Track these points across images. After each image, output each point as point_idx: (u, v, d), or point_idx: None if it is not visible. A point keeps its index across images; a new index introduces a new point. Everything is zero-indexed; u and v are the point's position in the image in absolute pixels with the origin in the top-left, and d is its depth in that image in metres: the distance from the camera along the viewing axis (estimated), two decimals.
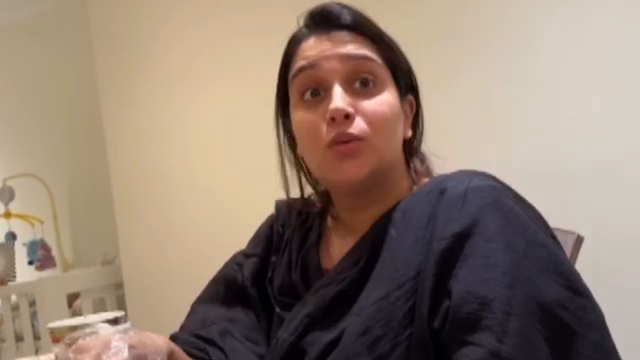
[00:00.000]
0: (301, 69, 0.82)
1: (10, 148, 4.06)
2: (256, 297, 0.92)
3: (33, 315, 3.05)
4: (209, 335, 0.88)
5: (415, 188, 0.85)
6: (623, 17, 1.86)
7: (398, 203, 0.81)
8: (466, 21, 2.03)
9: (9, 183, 3.57)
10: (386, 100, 0.81)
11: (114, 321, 1.16)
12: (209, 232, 2.64)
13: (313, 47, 0.82)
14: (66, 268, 3.68)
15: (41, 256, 3.50)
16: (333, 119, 0.78)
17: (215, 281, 0.97)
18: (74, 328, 1.13)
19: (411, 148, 0.89)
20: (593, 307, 0.68)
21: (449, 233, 0.70)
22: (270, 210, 1.01)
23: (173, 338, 0.89)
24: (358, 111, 0.79)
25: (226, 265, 0.98)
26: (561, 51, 1.93)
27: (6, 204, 3.56)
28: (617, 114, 1.88)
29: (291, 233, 0.94)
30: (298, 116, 0.84)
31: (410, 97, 0.88)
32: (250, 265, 0.94)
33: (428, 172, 0.90)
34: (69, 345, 0.70)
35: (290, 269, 0.90)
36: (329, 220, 0.93)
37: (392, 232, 0.77)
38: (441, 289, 0.68)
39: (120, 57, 2.93)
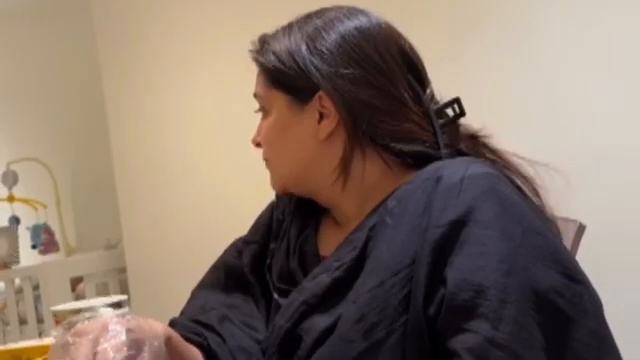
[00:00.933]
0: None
1: (13, 132, 4.07)
2: (255, 284, 0.93)
3: (36, 299, 3.06)
4: (208, 321, 0.89)
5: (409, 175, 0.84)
6: (628, 6, 1.85)
7: (394, 191, 0.81)
8: (466, 6, 2.02)
9: (12, 167, 3.57)
10: (267, 123, 0.89)
11: (117, 305, 1.17)
12: (211, 218, 2.64)
13: None
14: (69, 252, 3.69)
15: (44, 240, 3.52)
16: None
17: (215, 267, 0.98)
18: (77, 311, 1.13)
19: (350, 140, 0.85)
20: (590, 294, 0.69)
21: (445, 221, 0.70)
22: (271, 196, 1.01)
23: (172, 323, 0.90)
24: (258, 137, 0.91)
25: (226, 252, 0.99)
26: (563, 40, 1.92)
27: (9, 188, 3.57)
28: (620, 103, 1.88)
29: (290, 220, 0.95)
30: None
31: (320, 93, 0.84)
32: (249, 252, 0.96)
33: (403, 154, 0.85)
34: (68, 329, 0.69)
35: (288, 256, 0.91)
36: (327, 213, 0.94)
37: (388, 220, 0.77)
38: (436, 277, 0.69)
39: (122, 42, 2.92)
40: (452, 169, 0.75)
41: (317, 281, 0.79)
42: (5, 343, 2.26)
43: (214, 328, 0.88)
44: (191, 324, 0.89)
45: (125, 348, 0.63)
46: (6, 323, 3.18)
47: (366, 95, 0.83)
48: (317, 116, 0.85)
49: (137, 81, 2.89)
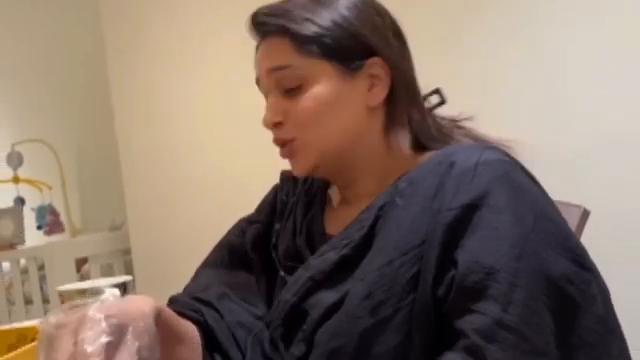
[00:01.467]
0: (256, 83, 0.90)
1: (18, 113, 4.06)
2: (257, 262, 0.95)
3: (42, 279, 3.08)
4: (207, 298, 0.90)
5: (424, 158, 0.85)
6: None
7: (404, 174, 0.81)
8: None
9: (17, 148, 3.58)
10: (310, 95, 0.83)
11: (122, 286, 1.18)
12: (217, 198, 2.65)
13: (255, 60, 0.89)
14: (74, 233, 3.71)
15: (49, 221, 3.53)
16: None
17: (219, 247, 0.99)
18: (83, 292, 1.15)
19: (391, 116, 0.87)
20: (598, 282, 0.69)
21: (458, 204, 0.71)
22: (277, 176, 1.02)
23: (171, 300, 0.91)
24: (287, 114, 0.85)
25: (230, 231, 1.00)
26: (569, 22, 1.91)
27: (14, 169, 3.58)
28: (626, 86, 1.86)
29: (296, 201, 0.96)
30: None
31: (373, 60, 0.85)
32: (253, 231, 0.97)
33: (433, 133, 0.88)
34: (70, 309, 0.68)
35: (295, 235, 0.91)
36: (333, 189, 0.95)
37: (398, 200, 0.77)
38: (447, 258, 0.69)
39: (127, 19, 2.91)
40: (466, 154, 0.76)
41: (324, 258, 0.80)
42: (11, 322, 2.28)
43: (212, 305, 0.89)
44: (190, 301, 0.90)
45: (103, 337, 0.60)
46: (12, 303, 3.20)
47: (406, 67, 0.88)
48: (368, 84, 0.85)
49: (142, 60, 2.88)
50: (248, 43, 0.91)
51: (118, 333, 0.61)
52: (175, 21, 2.75)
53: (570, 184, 1.40)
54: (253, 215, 1.00)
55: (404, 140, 0.88)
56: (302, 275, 0.81)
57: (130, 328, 0.62)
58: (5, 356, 1.19)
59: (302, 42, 0.83)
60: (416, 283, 0.71)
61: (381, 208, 0.79)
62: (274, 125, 0.86)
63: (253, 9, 0.88)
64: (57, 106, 3.84)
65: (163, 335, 0.69)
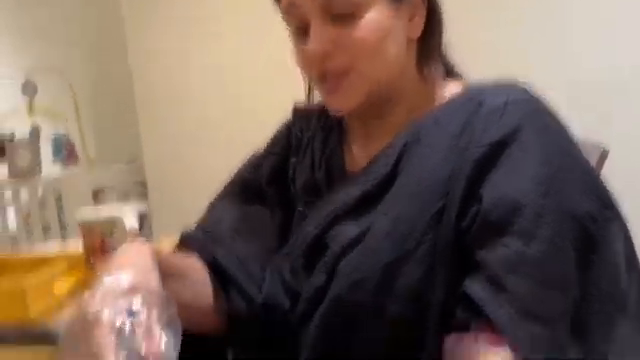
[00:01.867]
0: (284, 12, 0.82)
1: (33, 43, 4.04)
2: (273, 195, 0.93)
3: (59, 209, 3.13)
4: (218, 232, 0.90)
5: (447, 93, 0.84)
6: None
7: (423, 108, 0.80)
8: None
9: (32, 78, 3.57)
10: (367, 23, 0.78)
11: (139, 216, 1.20)
12: (231, 132, 2.65)
13: None
14: (90, 165, 3.74)
15: (65, 152, 3.56)
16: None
17: (231, 183, 0.98)
18: (103, 222, 1.17)
19: (426, 47, 0.84)
20: (620, 221, 0.70)
21: (486, 141, 0.70)
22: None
23: (182, 237, 0.91)
24: (339, 43, 0.78)
25: (241, 167, 0.99)
26: None
27: (30, 98, 3.58)
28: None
29: (311, 135, 0.94)
30: (293, 51, 0.85)
31: None
32: (269, 163, 0.95)
33: (452, 68, 0.87)
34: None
35: (313, 169, 0.90)
36: (349, 123, 0.92)
37: (423, 138, 0.77)
38: (472, 193, 0.69)
39: None
40: (494, 93, 0.75)
41: (347, 192, 0.80)
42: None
43: (224, 240, 0.89)
44: (201, 237, 0.90)
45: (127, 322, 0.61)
46: (30, 232, 3.26)
47: (437, 5, 0.84)
48: (409, 13, 0.81)
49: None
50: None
51: (145, 308, 0.62)
52: None
53: (589, 123, 1.39)
54: (268, 147, 0.98)
55: (436, 72, 0.85)
56: (324, 208, 0.81)
57: (141, 300, 0.63)
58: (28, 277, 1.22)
59: None
60: (440, 218, 0.70)
61: (405, 145, 0.78)
62: (323, 54, 0.78)
63: None
64: (71, 36, 3.81)
65: (166, 274, 0.71)
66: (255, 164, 0.98)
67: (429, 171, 0.73)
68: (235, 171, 1.00)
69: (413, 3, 0.81)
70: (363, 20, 0.78)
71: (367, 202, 0.77)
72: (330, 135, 0.92)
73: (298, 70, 0.88)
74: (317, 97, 0.92)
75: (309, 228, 0.81)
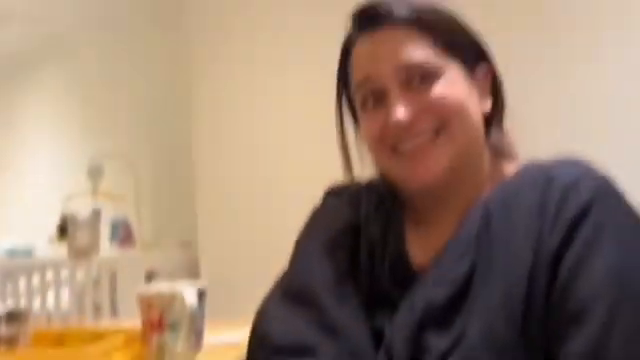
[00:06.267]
0: (359, 84, 0.82)
1: (102, 129, 4.25)
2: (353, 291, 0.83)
3: (112, 290, 3.18)
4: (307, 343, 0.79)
5: (506, 173, 0.83)
6: None
7: (484, 190, 0.80)
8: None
9: (98, 162, 3.73)
10: (445, 82, 0.77)
11: (199, 292, 1.22)
12: (291, 226, 2.67)
13: (366, 55, 0.81)
14: (145, 247, 3.81)
15: (122, 234, 3.65)
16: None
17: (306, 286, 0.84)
18: (162, 294, 1.19)
19: (492, 120, 0.84)
20: None
21: (562, 224, 0.69)
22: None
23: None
24: (423, 106, 0.77)
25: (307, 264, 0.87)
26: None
27: (94, 182, 3.73)
28: None
29: (365, 220, 0.88)
30: (364, 124, 0.83)
31: (482, 65, 0.83)
32: (343, 258, 0.85)
33: (510, 149, 0.87)
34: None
35: (373, 261, 0.84)
36: (409, 210, 0.88)
37: (496, 224, 0.74)
38: (553, 285, 0.68)
39: (215, 52, 3.02)
40: (561, 170, 0.74)
41: (425, 295, 0.75)
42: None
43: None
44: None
45: None
46: (82, 311, 3.31)
47: (499, 79, 0.85)
48: (479, 89, 0.82)
49: (227, 80, 2.96)
50: (328, 75, 0.88)
51: None
52: (259, 50, 2.83)
53: None
54: (332, 240, 0.87)
55: (488, 154, 0.85)
56: (406, 316, 0.76)
57: None
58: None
59: (436, 35, 0.79)
60: (528, 310, 0.68)
61: (478, 233, 0.75)
62: (411, 120, 0.77)
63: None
64: (139, 123, 4.00)
65: None
66: (333, 252, 0.86)
67: (513, 263, 0.71)
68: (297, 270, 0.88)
69: (481, 79, 0.82)
70: (441, 80, 0.78)
71: (453, 306, 0.73)
72: (388, 223, 0.86)
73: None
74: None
75: (397, 345, 0.75)
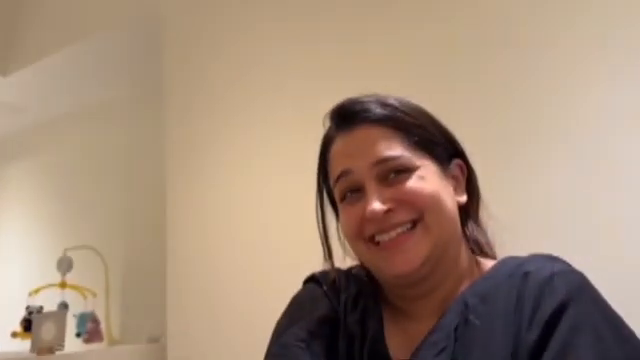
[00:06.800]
0: (337, 180, 0.85)
1: (73, 220, 4.21)
2: None
3: None
4: None
5: (483, 267, 0.85)
6: None
7: (462, 284, 0.81)
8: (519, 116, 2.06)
9: (68, 254, 3.68)
10: (420, 176, 0.81)
11: None
12: (263, 319, 2.62)
13: (344, 152, 0.85)
14: (112, 343, 3.70)
15: (90, 329, 3.55)
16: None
17: None
18: None
19: (468, 213, 0.88)
20: None
21: (539, 321, 0.70)
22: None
23: None
24: (399, 199, 0.80)
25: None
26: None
27: (63, 274, 3.66)
28: None
29: (343, 310, 0.89)
30: (343, 217, 0.87)
31: (457, 161, 0.88)
32: (320, 347, 0.86)
33: (486, 242, 0.89)
34: None
35: (352, 354, 0.84)
36: (388, 304, 0.89)
37: (474, 320, 0.75)
38: None
39: (190, 141, 3.06)
40: (537, 265, 0.76)
41: None
42: None
43: None
44: None
45: None
46: None
47: (474, 174, 0.90)
48: (452, 184, 0.85)
49: (199, 181, 2.99)
50: (309, 157, 0.94)
51: None
52: (237, 145, 2.87)
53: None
54: (312, 327, 0.88)
55: (466, 248, 0.87)
56: None
57: None
58: None
59: (409, 133, 0.82)
60: None
61: (457, 329, 0.75)
62: (385, 213, 0.80)
63: (316, 121, 0.90)
64: (110, 216, 3.98)
65: None
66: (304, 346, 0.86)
67: (492, 358, 0.71)
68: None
69: (454, 175, 0.86)
70: (415, 175, 0.81)
71: None
72: (367, 315, 0.87)
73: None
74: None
75: None
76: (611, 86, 1.87)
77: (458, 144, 0.88)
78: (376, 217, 0.80)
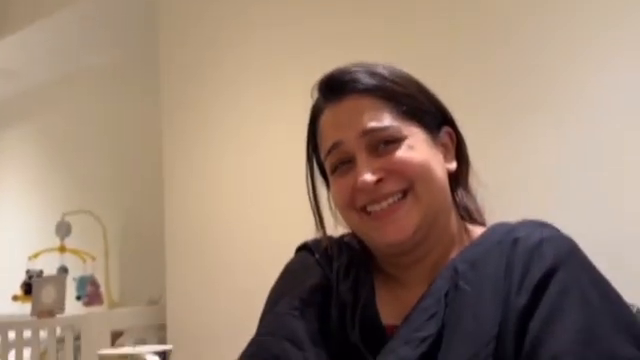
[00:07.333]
0: (328, 152, 0.86)
1: (71, 184, 4.22)
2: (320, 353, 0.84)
3: (76, 349, 3.10)
4: None
5: (472, 234, 0.86)
6: None
7: (452, 250, 0.82)
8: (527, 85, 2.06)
9: (67, 219, 3.70)
10: (409, 146, 0.81)
11: (162, 354, 1.21)
12: (259, 283, 2.65)
13: (333, 123, 0.85)
14: (112, 306, 3.74)
15: (89, 292, 3.59)
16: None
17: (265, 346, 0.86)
18: (124, 357, 1.17)
19: (457, 180, 0.88)
20: None
21: (527, 286, 0.72)
22: None
23: None
24: (389, 168, 0.81)
25: (283, 323, 0.87)
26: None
27: (62, 239, 3.68)
28: None
29: (335, 278, 0.89)
30: (334, 189, 0.87)
31: (446, 128, 0.88)
32: (313, 317, 0.87)
33: (476, 209, 0.90)
34: None
35: (345, 327, 0.85)
36: (380, 271, 0.90)
37: (464, 286, 0.76)
38: (520, 346, 0.70)
39: (187, 103, 3.05)
40: (526, 231, 0.77)
41: (401, 357, 0.75)
42: None
43: None
44: None
45: None
46: None
47: (463, 141, 0.90)
48: (442, 152, 0.86)
49: (196, 144, 2.99)
50: (304, 129, 0.94)
51: None
52: (235, 108, 2.86)
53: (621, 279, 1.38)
54: (305, 295, 0.88)
55: (465, 210, 0.88)
56: None
57: None
58: None
59: (398, 103, 0.82)
60: None
61: (448, 294, 0.76)
62: (376, 183, 0.80)
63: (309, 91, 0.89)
64: (108, 179, 3.98)
65: None
66: (297, 314, 0.87)
67: (482, 324, 0.72)
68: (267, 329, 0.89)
69: (444, 142, 0.87)
70: (404, 144, 0.81)
71: None
72: (359, 282, 0.87)
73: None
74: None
75: None
76: (605, 60, 1.86)
77: (447, 112, 0.89)
78: (367, 188, 0.81)
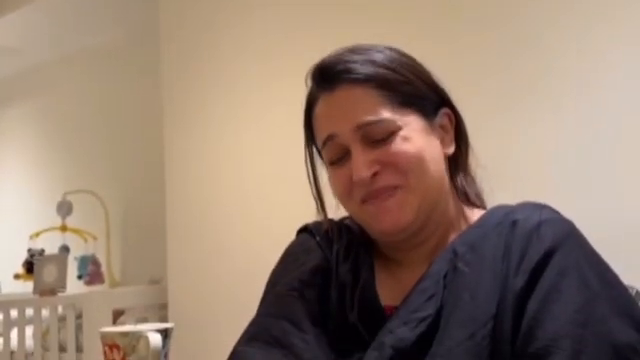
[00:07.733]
0: (323, 143, 0.86)
1: (72, 164, 4.23)
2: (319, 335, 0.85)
3: (78, 328, 3.12)
4: None
5: (471, 217, 0.86)
6: None
7: (451, 234, 0.83)
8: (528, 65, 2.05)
9: (68, 198, 3.70)
10: (404, 138, 0.81)
11: (164, 332, 1.21)
12: (259, 264, 2.66)
13: (327, 114, 0.85)
14: (113, 285, 3.77)
15: (91, 271, 3.61)
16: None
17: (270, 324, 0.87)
18: (125, 334, 1.18)
19: (457, 163, 0.88)
20: None
21: (525, 268, 0.72)
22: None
23: None
24: (384, 162, 0.81)
25: (284, 301, 0.88)
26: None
27: (63, 218, 3.69)
28: None
29: (335, 260, 0.90)
30: (332, 179, 0.87)
31: (444, 110, 0.87)
32: (313, 297, 0.87)
33: (475, 191, 0.90)
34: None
35: (344, 304, 0.85)
36: (375, 252, 0.91)
37: (463, 267, 0.77)
38: (518, 325, 0.70)
39: (187, 85, 3.04)
40: (525, 213, 0.77)
41: (399, 337, 0.76)
42: None
43: None
44: None
45: None
46: (46, 349, 3.24)
47: (462, 122, 0.89)
48: (440, 135, 0.85)
49: (196, 124, 2.99)
50: (293, 117, 0.93)
51: None
52: (234, 91, 2.86)
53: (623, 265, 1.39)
54: (305, 277, 0.89)
55: (464, 194, 0.88)
56: (378, 358, 0.76)
57: None
58: None
59: (393, 92, 0.81)
60: (495, 351, 0.70)
61: (446, 276, 0.77)
62: (372, 175, 0.81)
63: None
64: (110, 159, 3.99)
65: None
66: (297, 294, 0.87)
67: (480, 305, 0.73)
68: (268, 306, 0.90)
69: (442, 125, 0.86)
70: (399, 135, 0.81)
71: (421, 345, 0.75)
72: (358, 264, 0.88)
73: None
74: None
75: None
76: (606, 42, 1.85)
77: (445, 93, 0.88)
78: (363, 182, 0.81)
